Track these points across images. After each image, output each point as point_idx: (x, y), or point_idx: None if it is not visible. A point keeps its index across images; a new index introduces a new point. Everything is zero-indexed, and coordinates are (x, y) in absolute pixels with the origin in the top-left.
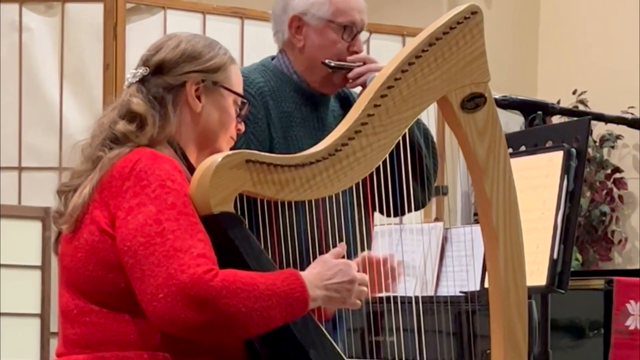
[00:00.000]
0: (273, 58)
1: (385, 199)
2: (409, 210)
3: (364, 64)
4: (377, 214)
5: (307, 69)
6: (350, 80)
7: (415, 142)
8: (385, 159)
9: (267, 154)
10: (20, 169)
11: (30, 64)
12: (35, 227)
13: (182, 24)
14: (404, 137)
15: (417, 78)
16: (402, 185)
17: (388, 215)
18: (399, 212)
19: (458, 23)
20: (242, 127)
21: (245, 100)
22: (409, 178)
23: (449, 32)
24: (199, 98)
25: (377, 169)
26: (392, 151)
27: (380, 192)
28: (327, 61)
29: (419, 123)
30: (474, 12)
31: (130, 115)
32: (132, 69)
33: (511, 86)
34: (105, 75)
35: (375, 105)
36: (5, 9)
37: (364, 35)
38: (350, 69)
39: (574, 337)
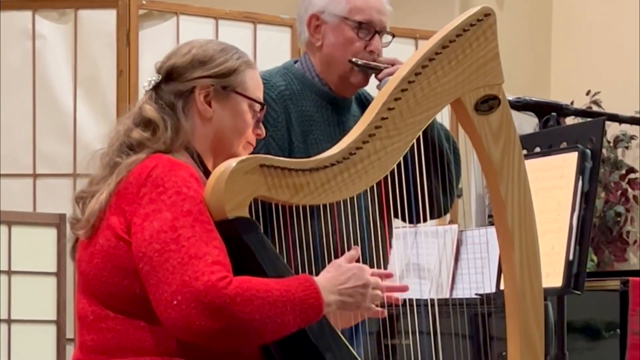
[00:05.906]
0: (296, 61)
1: (407, 206)
2: (432, 217)
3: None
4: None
5: (325, 68)
6: (379, 82)
7: (441, 146)
8: (409, 163)
9: (281, 158)
10: (34, 176)
11: (44, 71)
12: (51, 233)
13: (195, 30)
14: (430, 141)
15: (431, 81)
16: (424, 191)
17: (411, 222)
18: (422, 218)
19: (471, 25)
20: (261, 132)
21: (261, 105)
22: (432, 183)
23: (462, 35)
24: (209, 104)
25: (400, 174)
26: (415, 155)
27: (402, 198)
28: (354, 59)
29: (440, 126)
30: (487, 14)
31: (144, 122)
32: (148, 77)
33: (524, 88)
34: (119, 82)
35: (389, 109)
36: (18, 16)
37: (386, 39)
38: (379, 70)
39: (591, 339)
